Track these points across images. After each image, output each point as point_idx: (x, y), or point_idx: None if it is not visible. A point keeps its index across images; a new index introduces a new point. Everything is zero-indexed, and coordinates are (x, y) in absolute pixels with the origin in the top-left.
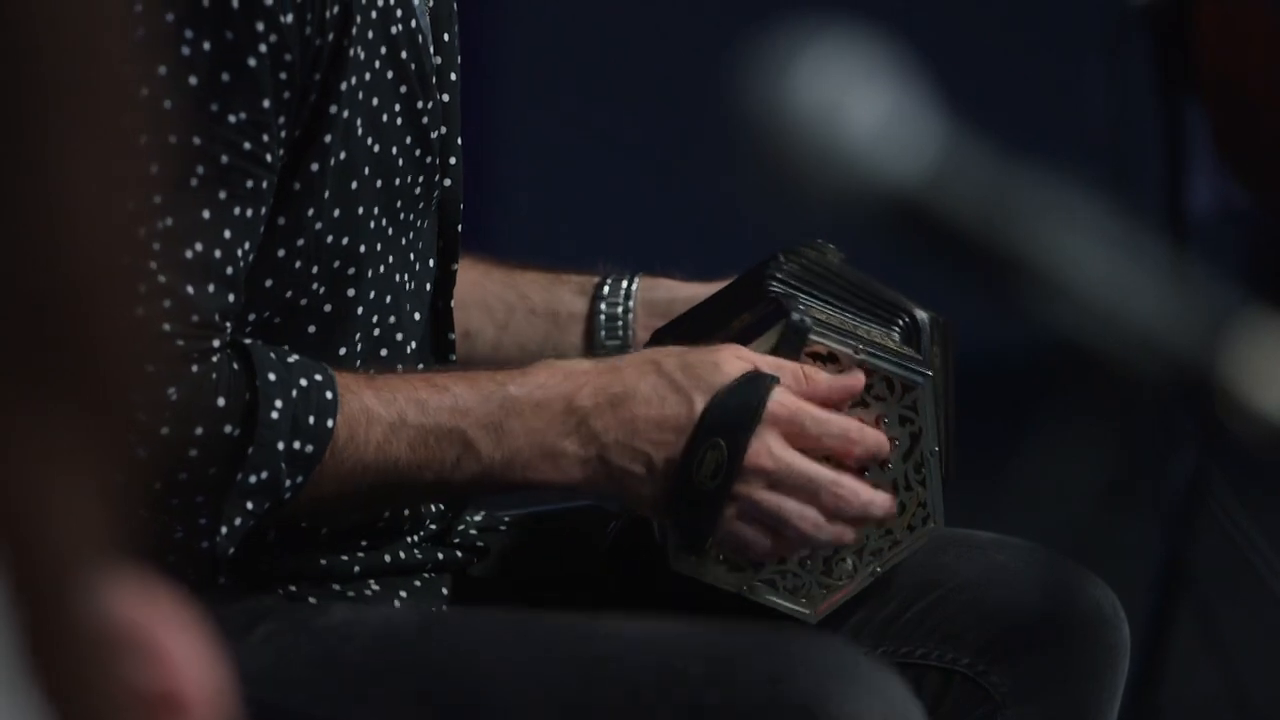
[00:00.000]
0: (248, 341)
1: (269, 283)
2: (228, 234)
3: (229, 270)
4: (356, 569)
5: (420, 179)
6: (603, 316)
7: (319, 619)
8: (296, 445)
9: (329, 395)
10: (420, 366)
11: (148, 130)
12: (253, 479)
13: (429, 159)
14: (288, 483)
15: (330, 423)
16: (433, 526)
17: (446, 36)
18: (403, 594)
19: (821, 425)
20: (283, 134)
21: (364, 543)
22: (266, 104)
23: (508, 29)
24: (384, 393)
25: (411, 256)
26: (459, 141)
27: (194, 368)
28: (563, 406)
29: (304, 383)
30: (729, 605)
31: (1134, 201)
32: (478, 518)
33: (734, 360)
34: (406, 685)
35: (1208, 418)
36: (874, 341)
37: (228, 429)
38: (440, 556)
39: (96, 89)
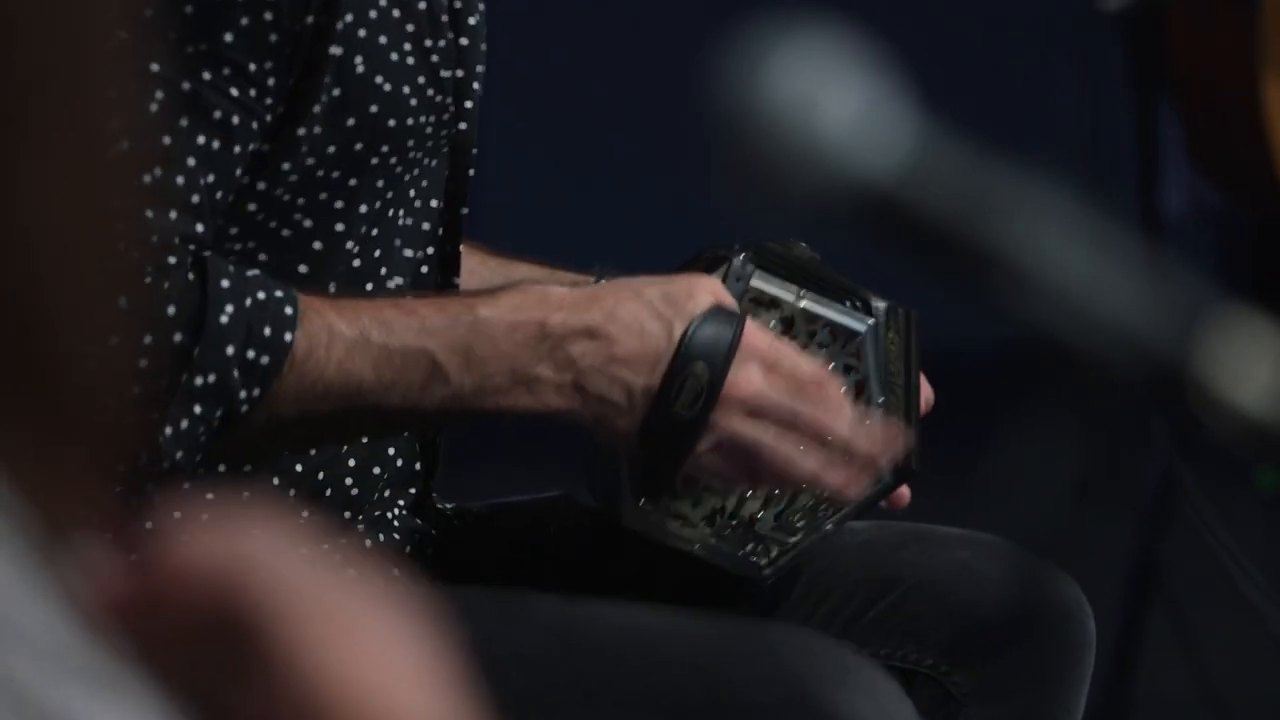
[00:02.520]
0: (206, 254)
1: (261, 216)
2: (191, 162)
3: (193, 198)
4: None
5: (432, 119)
6: None
7: None
8: (250, 354)
9: (288, 310)
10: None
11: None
12: (199, 380)
13: (441, 98)
14: (242, 394)
15: (288, 336)
16: (411, 491)
17: None
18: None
19: (795, 363)
20: (270, 81)
21: (346, 514)
22: (229, 38)
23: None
24: (347, 311)
25: (412, 193)
26: (476, 86)
27: (146, 280)
28: (536, 330)
29: (261, 295)
30: (687, 570)
31: (1108, 200)
32: (449, 506)
33: (709, 294)
34: None
35: (1180, 416)
36: (816, 287)
37: (177, 337)
38: (419, 522)
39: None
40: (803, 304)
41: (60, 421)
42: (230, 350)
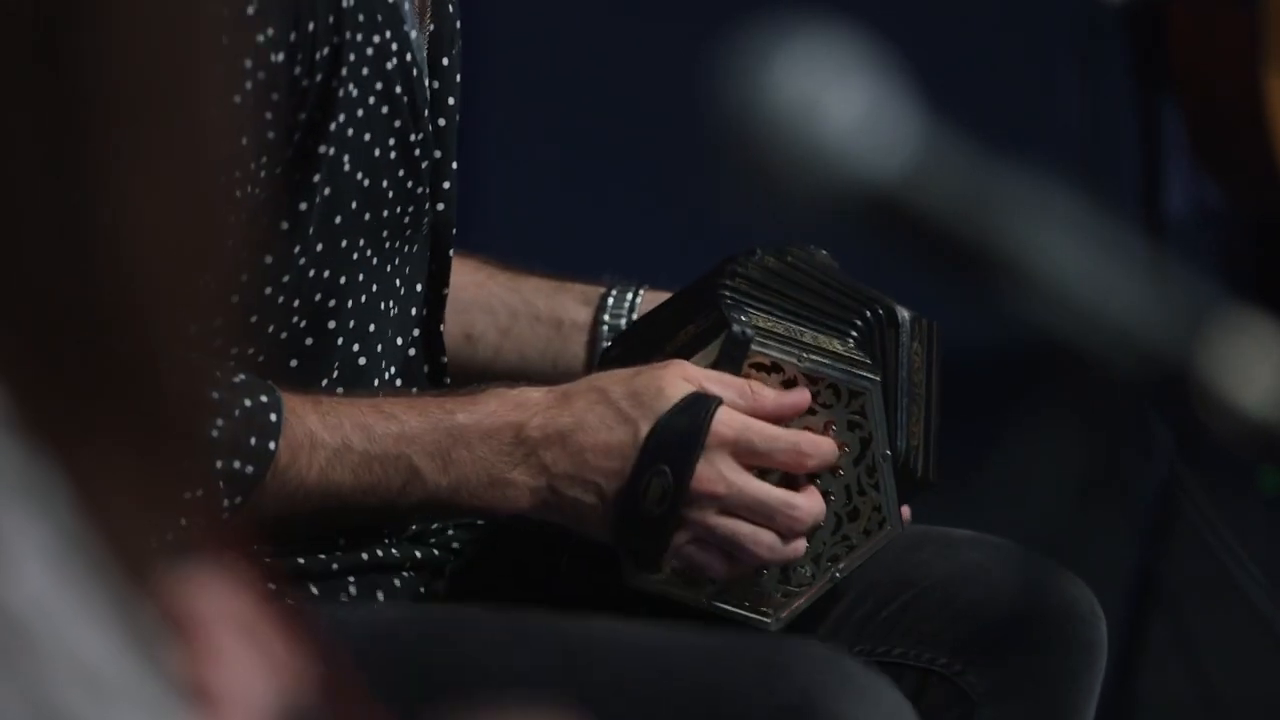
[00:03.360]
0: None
1: (254, 319)
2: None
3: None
4: (334, 566)
5: (410, 208)
6: (606, 328)
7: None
8: (236, 465)
9: (273, 418)
10: (407, 388)
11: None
12: (188, 495)
13: (420, 189)
14: (225, 501)
15: (272, 445)
16: (413, 527)
17: (446, 60)
18: (380, 594)
19: (771, 441)
20: (262, 174)
21: (342, 541)
22: (244, 141)
23: (484, 33)
24: (329, 418)
25: (397, 282)
26: (454, 165)
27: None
28: (511, 436)
29: (247, 403)
30: (691, 613)
31: (1110, 200)
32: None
33: (679, 382)
34: (393, 685)
35: (1183, 417)
36: (820, 348)
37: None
38: (418, 555)
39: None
40: (805, 365)
41: (144, 432)
42: (219, 464)
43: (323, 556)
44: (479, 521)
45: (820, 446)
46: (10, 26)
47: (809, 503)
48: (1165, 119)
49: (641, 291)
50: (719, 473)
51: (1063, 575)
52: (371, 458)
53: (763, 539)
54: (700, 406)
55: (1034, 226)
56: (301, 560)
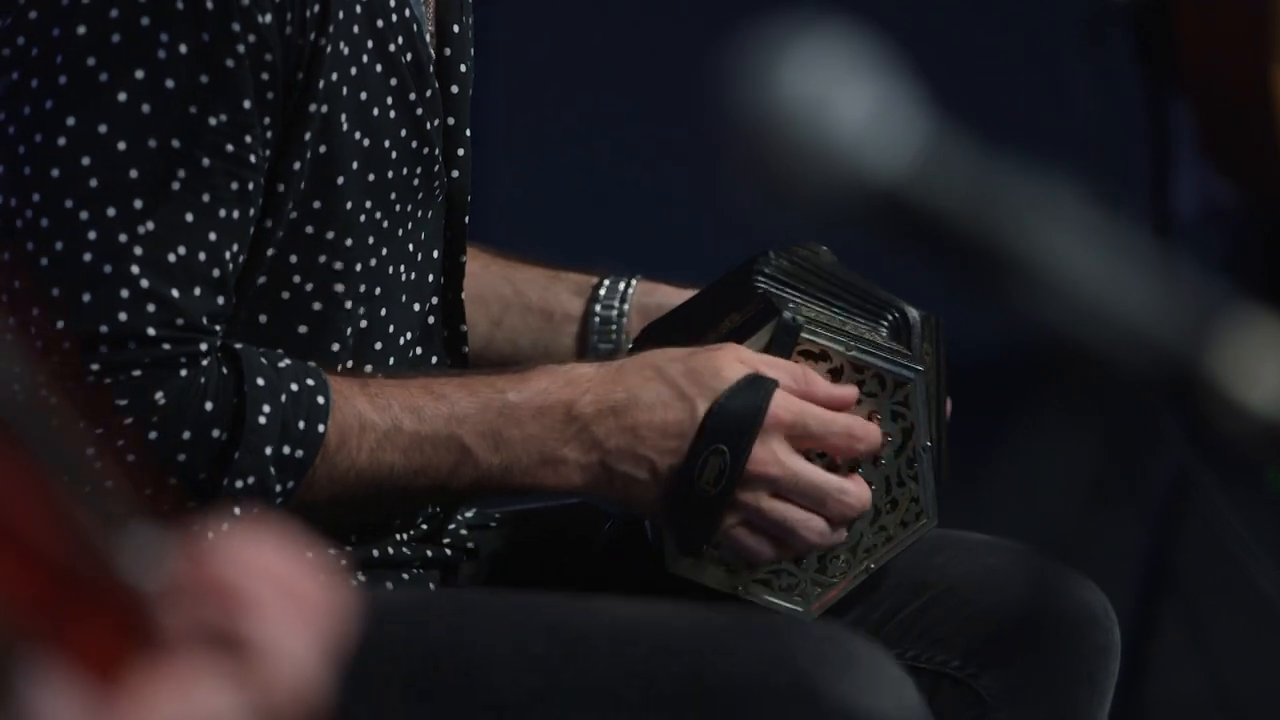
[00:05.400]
0: (238, 346)
1: (261, 280)
2: (213, 236)
3: (215, 273)
4: (343, 562)
5: (418, 171)
6: (597, 319)
7: None
8: (286, 450)
9: (320, 400)
10: (426, 356)
11: (125, 137)
12: (239, 484)
13: (426, 150)
14: (278, 488)
15: (321, 428)
16: (424, 526)
17: (456, 27)
18: (389, 585)
19: (825, 425)
20: (268, 134)
21: (353, 537)
22: (247, 104)
23: (493, 27)
24: (379, 399)
25: (410, 247)
26: (467, 133)
27: (182, 372)
28: (563, 414)
29: (295, 387)
30: (723, 604)
31: (1119, 198)
32: (469, 515)
33: (735, 363)
34: (398, 668)
35: (1194, 415)
36: (864, 338)
37: (215, 433)
38: (429, 554)
39: None
40: (852, 354)
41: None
42: (268, 450)
43: (332, 551)
44: (491, 524)
45: (870, 431)
46: None
47: (858, 489)
48: (1173, 116)
49: (634, 282)
50: (774, 455)
51: (1076, 579)
52: (422, 438)
53: (814, 524)
54: (759, 388)
55: (1042, 225)
56: (309, 554)
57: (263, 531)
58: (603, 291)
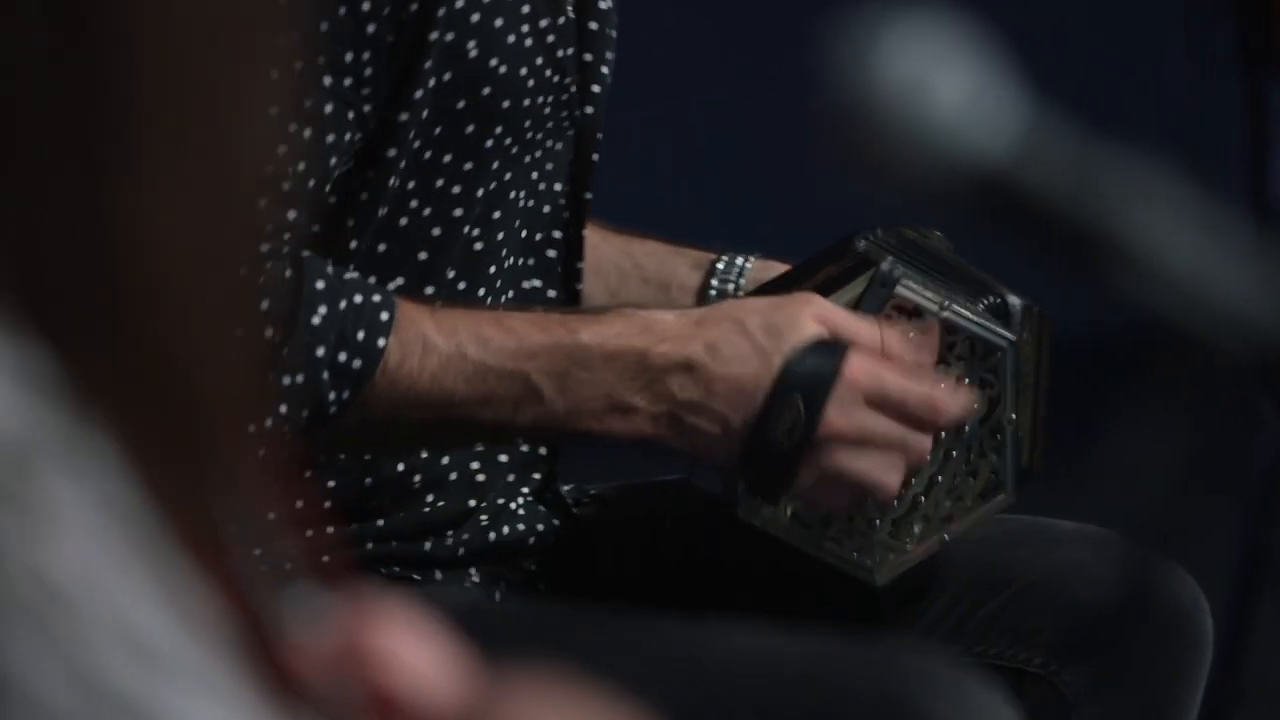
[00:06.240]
0: (305, 253)
1: (383, 211)
2: (282, 150)
3: (283, 184)
4: (461, 551)
5: (550, 98)
6: (714, 293)
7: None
8: (342, 357)
9: (384, 316)
10: (542, 290)
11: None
12: (286, 380)
13: (559, 79)
14: (331, 395)
15: (381, 342)
16: (536, 476)
17: None
18: (472, 572)
19: (904, 391)
20: (368, 71)
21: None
22: (325, 27)
23: None
24: (445, 324)
25: (534, 175)
26: (604, 70)
27: (258, 278)
28: (636, 359)
29: (358, 299)
30: (799, 566)
31: (1216, 180)
32: (567, 489)
33: (815, 318)
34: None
35: None
36: (958, 300)
37: (269, 332)
38: (542, 509)
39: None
40: (945, 314)
41: (179, 418)
42: (320, 352)
43: (428, 545)
44: (586, 499)
45: (953, 400)
46: (32, 16)
47: (929, 443)
48: (1271, 98)
49: (752, 259)
50: (847, 412)
51: (1167, 569)
52: (486, 368)
53: (889, 479)
54: (836, 345)
55: (1139, 208)
56: (428, 545)
57: (407, 611)
58: (720, 266)
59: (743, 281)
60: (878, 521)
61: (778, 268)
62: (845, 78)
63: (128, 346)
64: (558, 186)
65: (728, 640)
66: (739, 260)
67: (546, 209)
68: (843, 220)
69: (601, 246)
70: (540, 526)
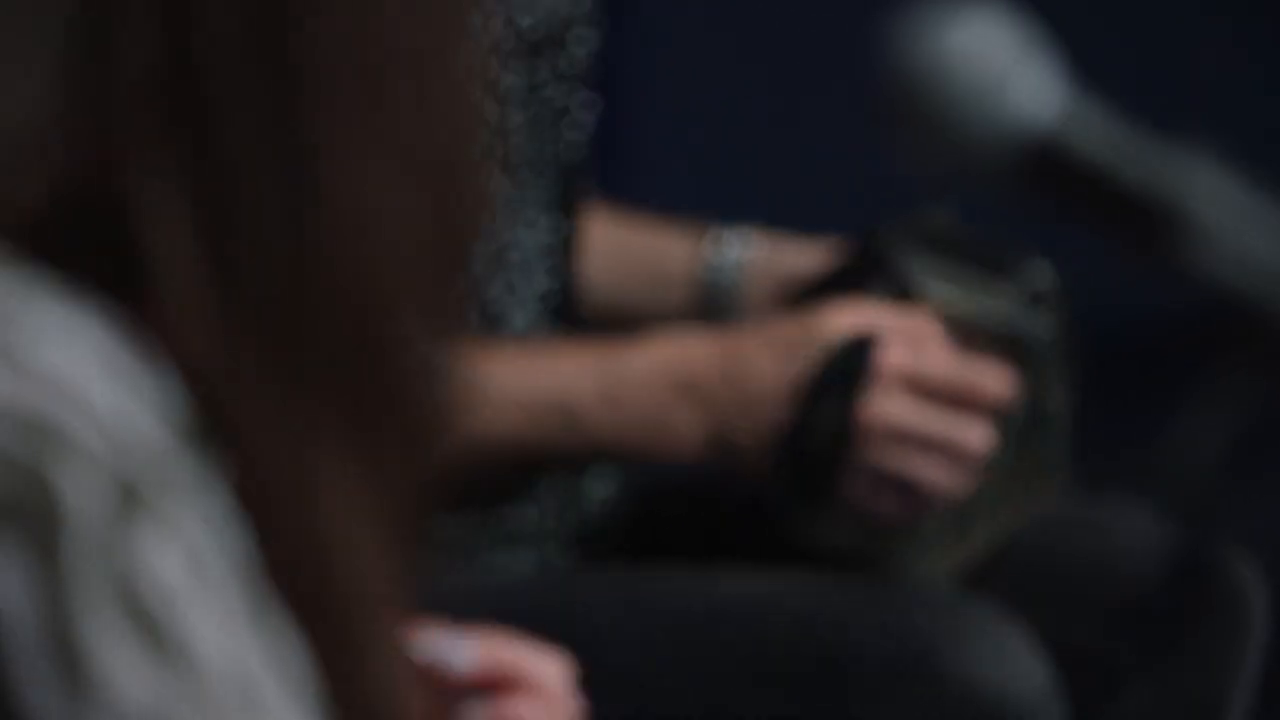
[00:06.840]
0: None
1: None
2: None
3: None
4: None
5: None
6: (711, 273)
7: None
8: None
9: None
10: (545, 323)
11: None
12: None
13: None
14: None
15: None
16: (557, 497)
17: None
18: (519, 558)
19: (946, 369)
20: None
21: (486, 509)
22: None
23: None
24: (486, 361)
25: (529, 212)
26: (580, 95)
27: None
28: (674, 381)
29: None
30: (845, 576)
31: (1277, 161)
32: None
33: (847, 319)
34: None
35: None
36: (990, 299)
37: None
38: (561, 525)
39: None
40: (972, 308)
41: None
42: None
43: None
44: (627, 496)
45: (1001, 381)
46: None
47: (980, 433)
48: None
49: (750, 238)
50: (884, 409)
51: (1224, 551)
52: (527, 404)
53: (938, 474)
54: (863, 345)
55: (1202, 183)
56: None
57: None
58: (718, 244)
59: (747, 256)
60: (926, 523)
61: (781, 252)
62: (899, 50)
63: (334, 331)
64: (550, 210)
65: (735, 586)
66: (737, 238)
67: (546, 238)
68: (895, 191)
69: (597, 230)
70: (561, 524)
